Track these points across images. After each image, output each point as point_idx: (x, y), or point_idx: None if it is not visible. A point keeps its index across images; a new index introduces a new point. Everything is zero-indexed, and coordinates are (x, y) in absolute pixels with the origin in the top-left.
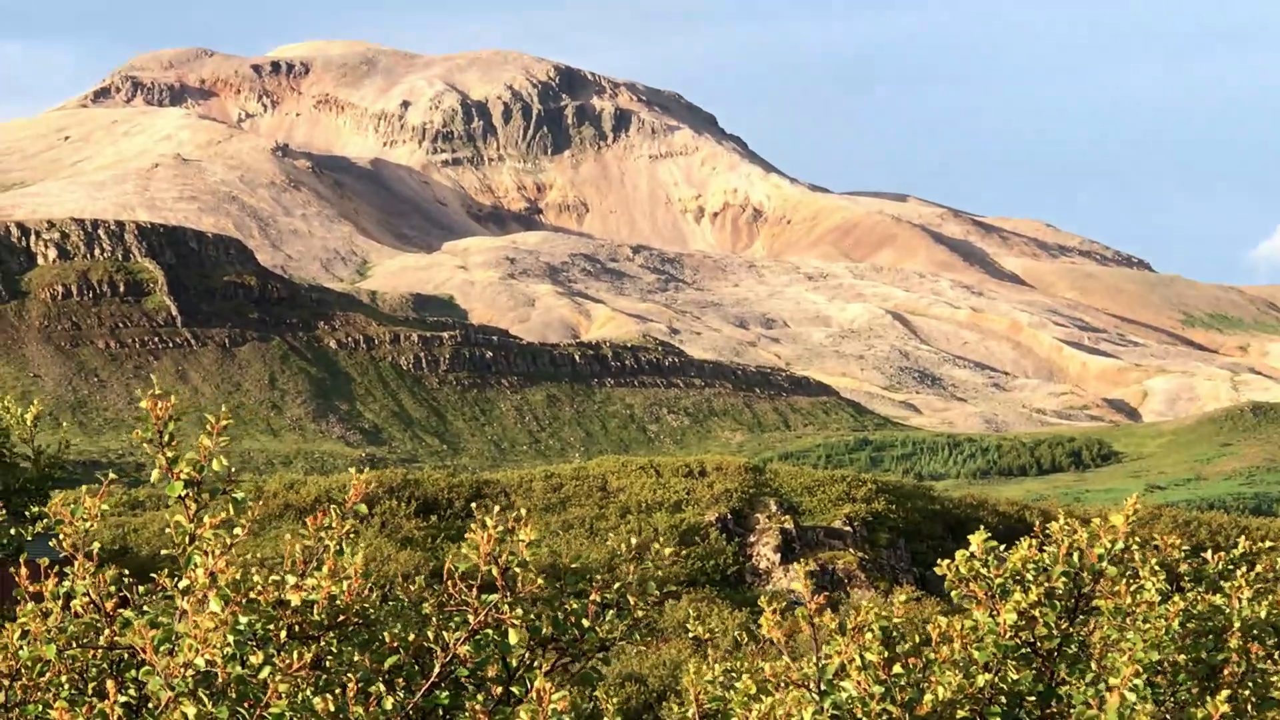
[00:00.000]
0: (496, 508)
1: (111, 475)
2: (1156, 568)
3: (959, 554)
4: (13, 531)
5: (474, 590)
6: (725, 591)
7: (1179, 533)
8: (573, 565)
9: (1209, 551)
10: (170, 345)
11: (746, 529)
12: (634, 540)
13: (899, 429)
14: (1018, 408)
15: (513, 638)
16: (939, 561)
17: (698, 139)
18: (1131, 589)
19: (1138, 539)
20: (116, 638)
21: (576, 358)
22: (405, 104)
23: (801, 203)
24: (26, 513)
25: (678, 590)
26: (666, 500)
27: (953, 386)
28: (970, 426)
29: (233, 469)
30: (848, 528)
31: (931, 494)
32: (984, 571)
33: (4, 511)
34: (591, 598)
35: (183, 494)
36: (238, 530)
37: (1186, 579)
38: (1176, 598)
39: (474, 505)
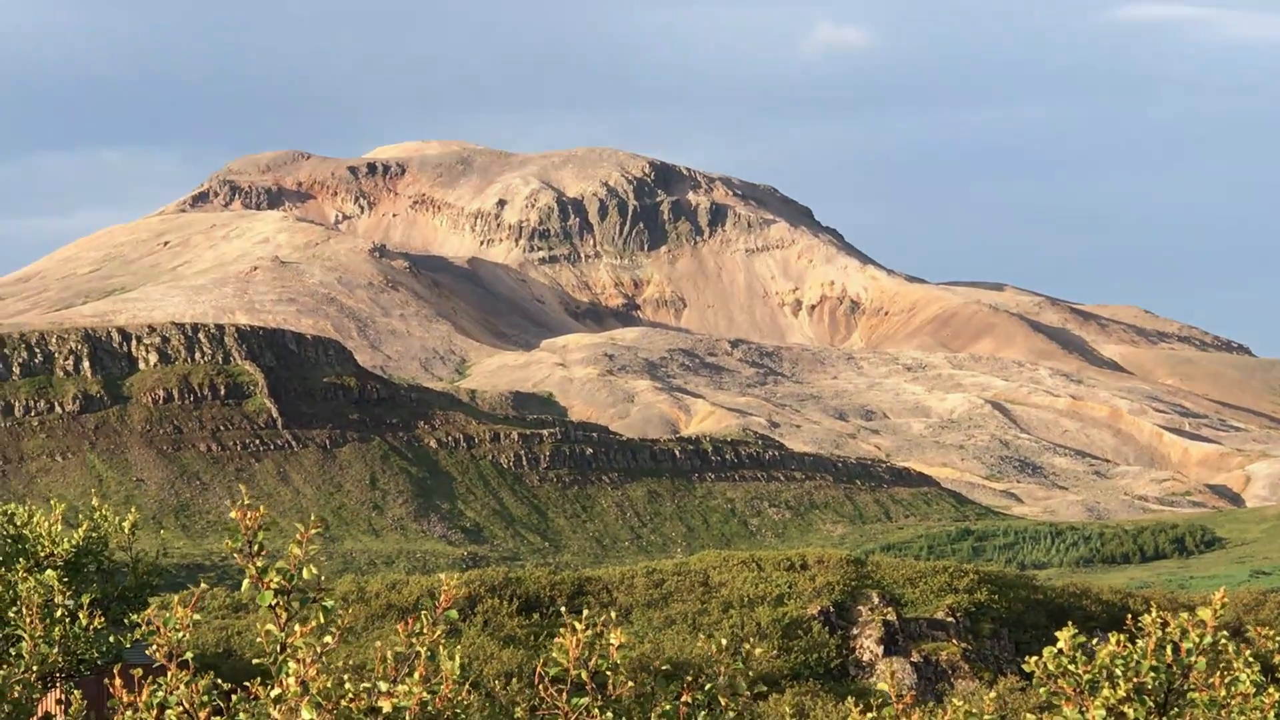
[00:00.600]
0: (585, 610)
1: (203, 584)
2: (1251, 659)
3: (1046, 650)
4: (111, 639)
5: (563, 694)
6: (829, 685)
7: None
8: (664, 666)
9: None
10: (271, 447)
11: (849, 621)
12: (724, 640)
13: (1001, 518)
14: (1119, 495)
15: None
16: (1026, 657)
17: (794, 232)
18: (1226, 681)
19: (1224, 633)
20: None
21: (676, 453)
22: (501, 202)
23: (899, 294)
24: (125, 620)
25: (781, 684)
26: (769, 594)
27: (1054, 475)
28: (1072, 515)
29: (323, 576)
30: (950, 618)
31: (1034, 583)
32: (1072, 668)
33: (103, 619)
34: (683, 699)
35: (273, 603)
36: (328, 638)
37: None
38: (1272, 689)
39: (562, 610)
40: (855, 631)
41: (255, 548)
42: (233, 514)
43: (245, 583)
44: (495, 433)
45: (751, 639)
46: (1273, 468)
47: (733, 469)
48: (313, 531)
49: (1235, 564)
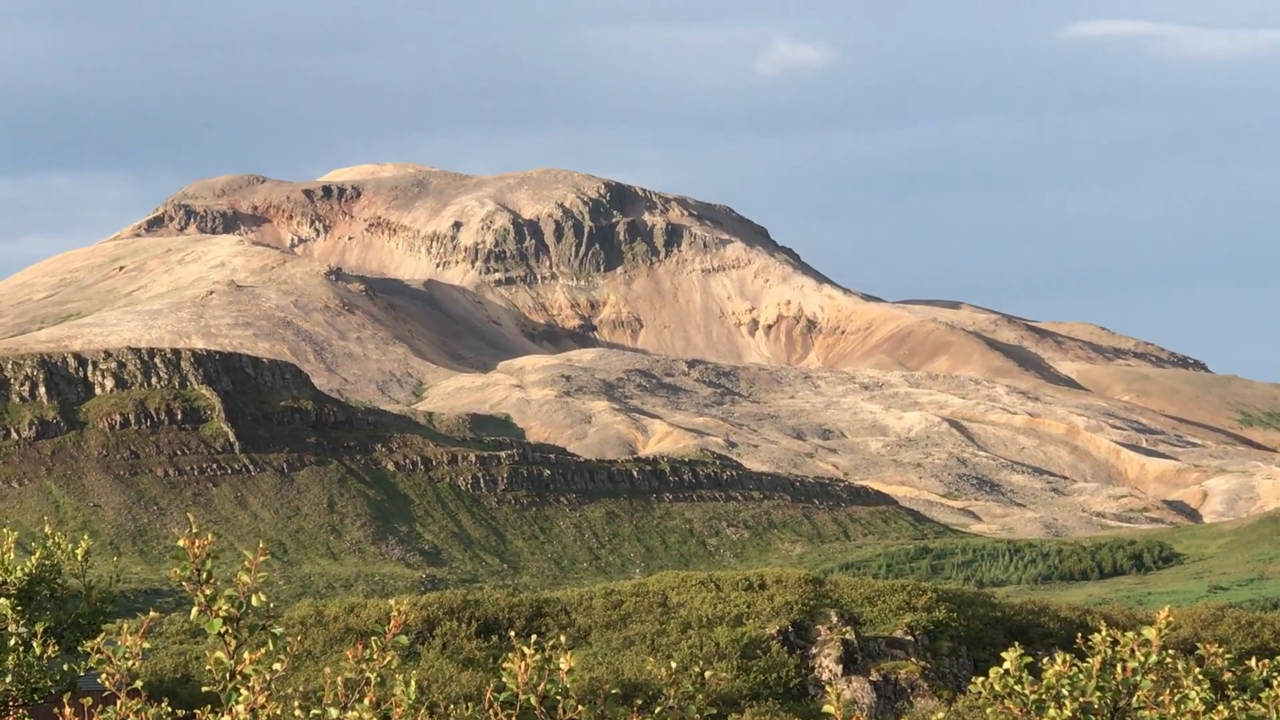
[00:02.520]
0: (538, 634)
1: (153, 612)
2: (1200, 676)
3: (993, 671)
4: (65, 667)
5: (514, 718)
6: (788, 704)
7: (1242, 633)
8: (614, 690)
9: (1253, 659)
10: (229, 471)
11: (808, 641)
12: (674, 663)
13: (959, 536)
14: (1077, 512)
15: None
16: (973, 678)
17: (750, 252)
18: (1175, 699)
19: (1170, 652)
20: None
21: (634, 473)
22: (457, 225)
23: (855, 313)
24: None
25: (740, 704)
26: (727, 614)
27: (1011, 492)
28: (1030, 532)
29: (272, 603)
30: (909, 637)
31: (993, 601)
32: (1018, 688)
33: (56, 647)
34: None
35: (222, 630)
36: (277, 665)
37: (1231, 686)
38: (1221, 706)
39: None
40: (814, 651)
41: (204, 575)
42: (180, 542)
43: (194, 610)
44: (453, 455)
45: (710, 659)
46: (1229, 483)
47: (690, 489)
48: (261, 559)
49: (1193, 579)
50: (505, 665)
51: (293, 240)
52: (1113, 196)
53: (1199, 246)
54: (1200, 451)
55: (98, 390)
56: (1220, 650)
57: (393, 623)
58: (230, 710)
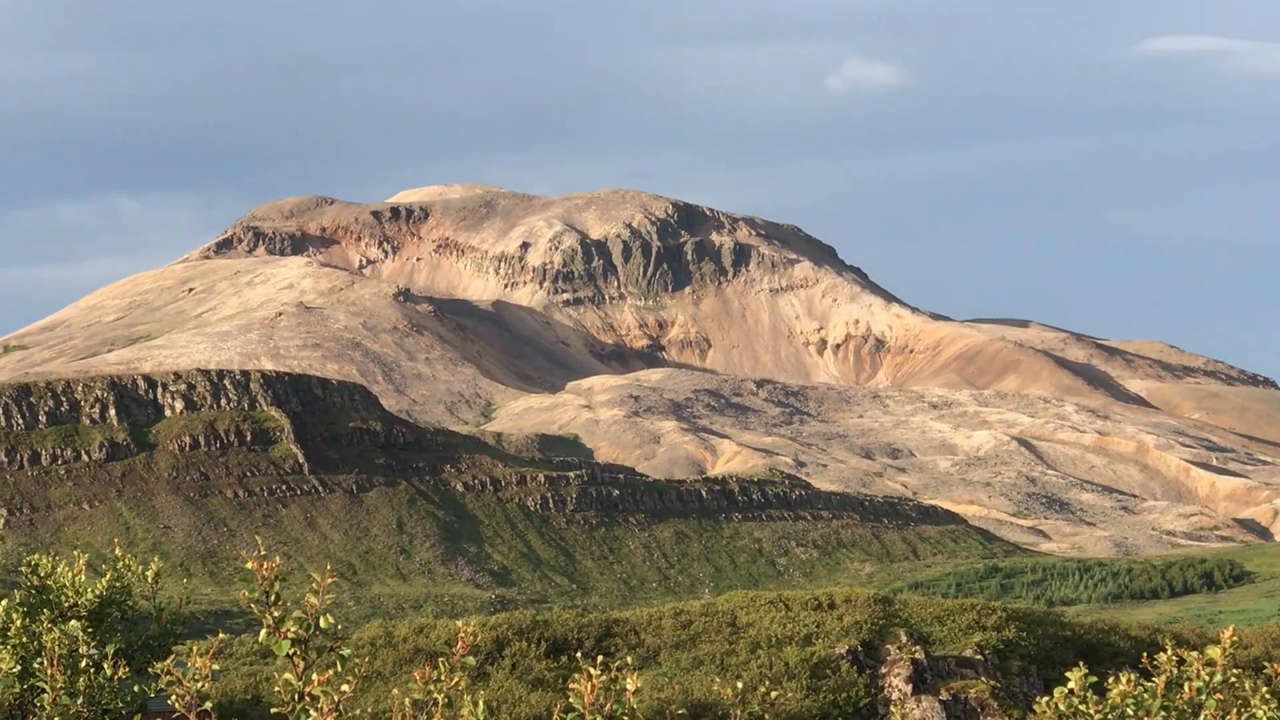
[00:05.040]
0: (604, 654)
1: (222, 634)
2: (1269, 695)
3: (1057, 690)
4: (136, 689)
5: None
6: None
7: None
8: (680, 711)
9: None
10: (298, 493)
11: (878, 660)
12: (739, 683)
13: (1028, 555)
14: (1147, 530)
15: None
16: (1038, 699)
17: (818, 271)
18: (1243, 718)
19: (1235, 671)
20: None
21: (703, 493)
22: (525, 245)
23: (923, 331)
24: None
25: None
26: (796, 634)
27: (1081, 511)
28: (1100, 550)
29: (340, 625)
30: (979, 656)
31: (1062, 620)
32: (1083, 708)
33: (127, 669)
34: None
35: (290, 652)
36: (345, 687)
37: None
38: None
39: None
40: (883, 670)
41: (272, 597)
42: (249, 564)
43: (263, 632)
44: (521, 475)
45: (779, 679)
46: None
47: (759, 509)
48: (329, 580)
49: (1264, 598)
50: (571, 686)
51: (361, 261)
52: (1182, 214)
53: (1269, 264)
54: (1271, 469)
55: (167, 412)
56: None
57: (460, 644)
58: None
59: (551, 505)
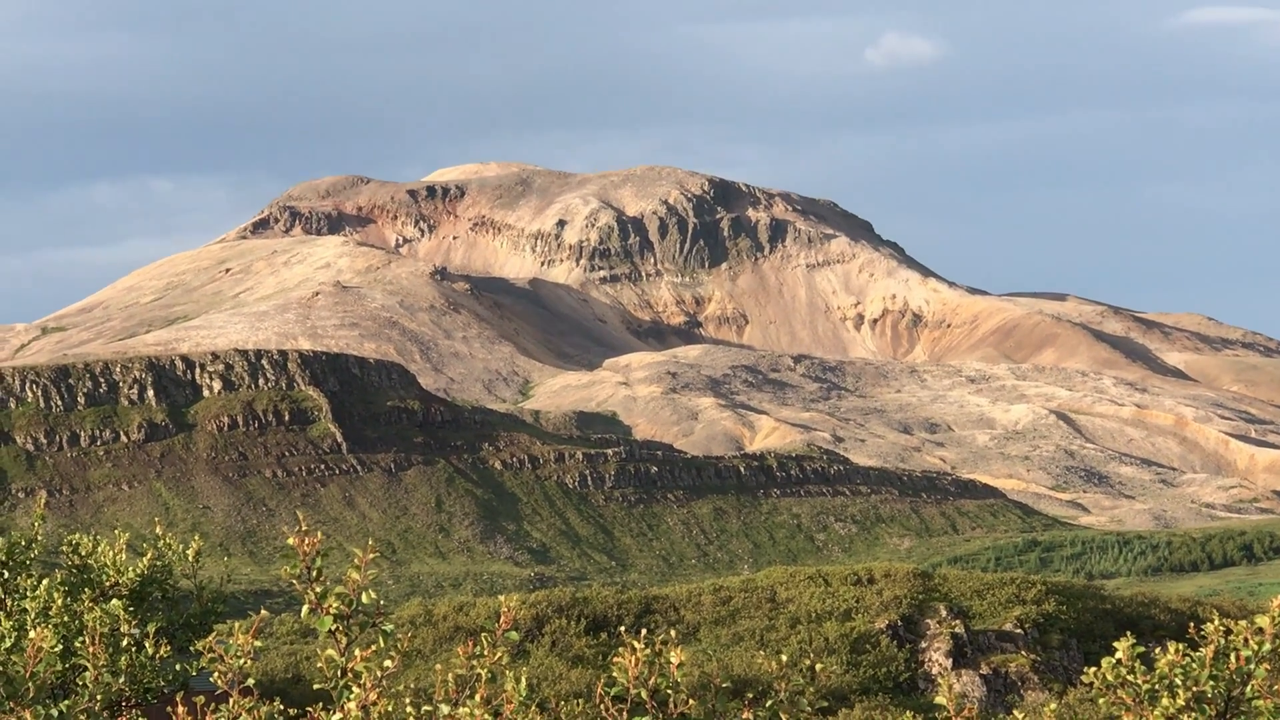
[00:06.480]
0: (646, 629)
1: (264, 611)
2: None
3: (1105, 661)
4: (178, 667)
5: (624, 712)
6: (898, 698)
7: None
8: (725, 684)
9: None
10: (337, 472)
11: (917, 635)
12: (784, 656)
13: (1067, 529)
14: (1186, 503)
15: None
16: (1084, 670)
17: (854, 246)
18: None
19: None
20: None
21: (741, 469)
22: (561, 223)
23: (961, 306)
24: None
25: (850, 699)
26: (836, 609)
27: (1120, 484)
28: (1139, 523)
29: (382, 601)
30: (1019, 630)
31: (1102, 593)
32: (1130, 678)
33: (168, 647)
34: (743, 715)
35: (333, 628)
36: (388, 662)
37: None
38: None
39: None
40: (923, 645)
41: (314, 573)
42: (290, 540)
43: (305, 609)
44: (560, 453)
45: (819, 654)
46: None
47: (798, 484)
48: (370, 556)
49: None
50: (615, 660)
51: (397, 240)
52: (1219, 186)
53: None
54: None
55: (205, 392)
56: None
57: (503, 619)
58: (342, 708)
59: (590, 482)
